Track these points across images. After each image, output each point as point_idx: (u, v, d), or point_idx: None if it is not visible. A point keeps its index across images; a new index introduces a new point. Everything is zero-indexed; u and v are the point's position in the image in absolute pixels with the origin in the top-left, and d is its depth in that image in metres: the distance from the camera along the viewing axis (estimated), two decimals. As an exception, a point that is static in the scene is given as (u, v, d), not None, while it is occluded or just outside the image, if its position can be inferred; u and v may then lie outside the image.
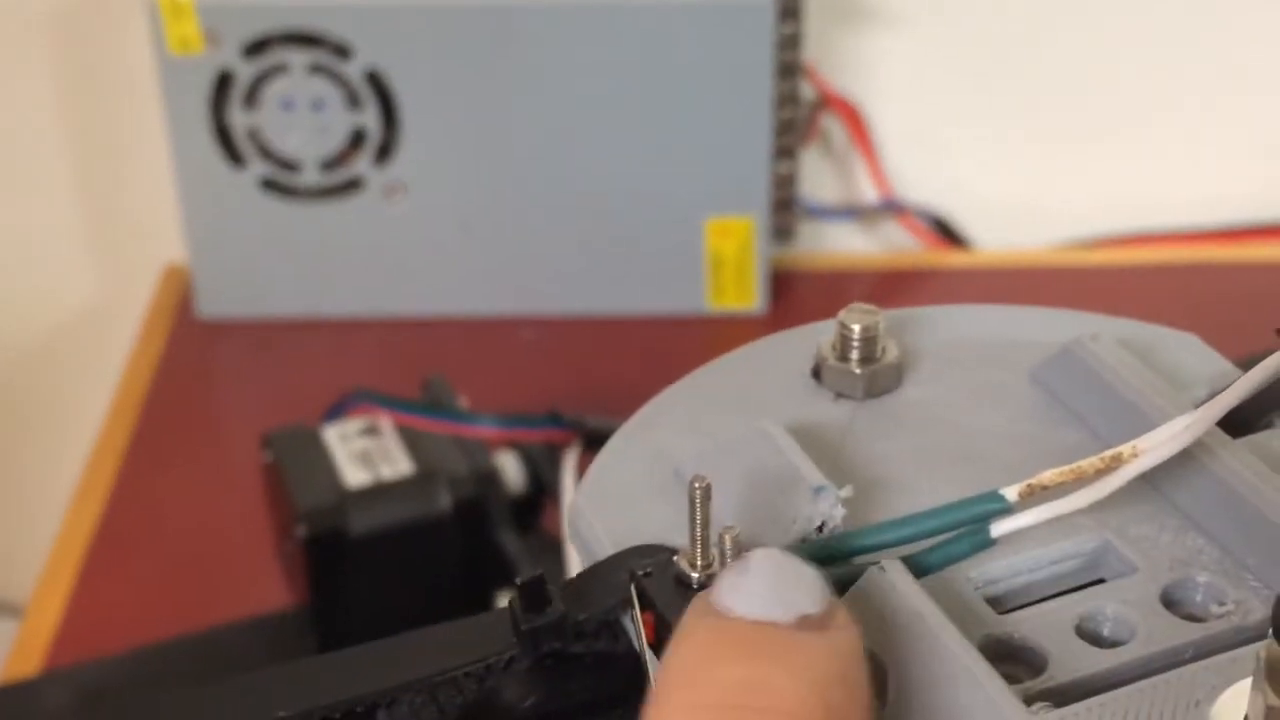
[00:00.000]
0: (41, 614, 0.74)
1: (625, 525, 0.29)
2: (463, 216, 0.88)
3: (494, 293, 0.90)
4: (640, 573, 0.27)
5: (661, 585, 0.26)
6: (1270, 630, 0.22)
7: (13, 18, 0.92)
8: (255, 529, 0.76)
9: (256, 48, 0.84)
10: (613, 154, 0.87)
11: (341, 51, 0.84)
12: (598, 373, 0.88)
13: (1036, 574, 0.28)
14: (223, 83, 0.84)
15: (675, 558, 0.27)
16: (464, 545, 0.66)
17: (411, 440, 0.68)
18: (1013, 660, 0.26)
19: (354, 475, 0.66)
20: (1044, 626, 0.27)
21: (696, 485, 0.26)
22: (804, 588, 0.23)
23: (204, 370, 0.89)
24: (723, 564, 0.25)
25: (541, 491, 0.68)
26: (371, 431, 0.68)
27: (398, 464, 0.66)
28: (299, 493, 0.65)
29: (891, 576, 0.26)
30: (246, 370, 0.89)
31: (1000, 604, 0.27)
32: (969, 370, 0.33)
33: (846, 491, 0.28)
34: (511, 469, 0.68)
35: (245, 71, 0.84)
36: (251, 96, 0.85)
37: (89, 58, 0.93)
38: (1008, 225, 0.95)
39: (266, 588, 0.71)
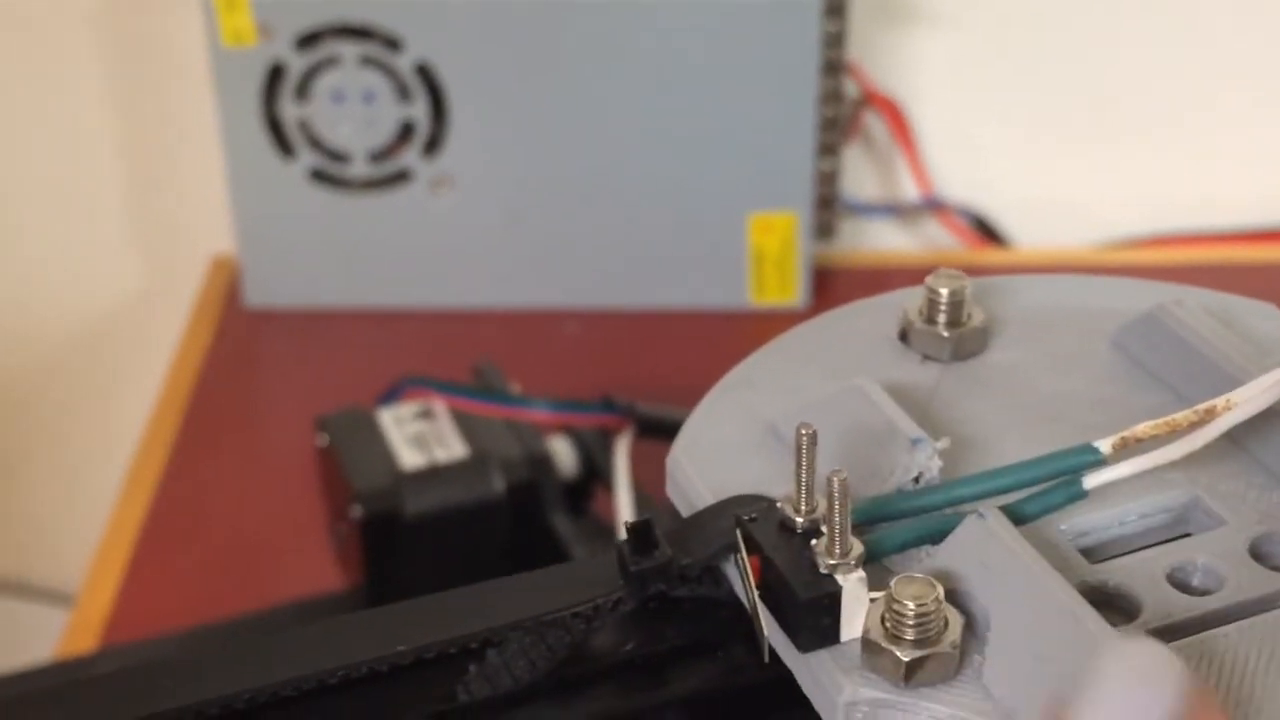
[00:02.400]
0: (92, 602, 0.75)
1: (723, 478, 0.29)
2: (509, 209, 0.89)
3: (539, 285, 0.91)
4: (745, 518, 0.27)
5: (766, 530, 0.27)
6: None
7: (66, 8, 0.93)
8: (304, 514, 0.77)
9: (309, 40, 0.85)
10: (658, 149, 0.87)
11: (392, 44, 0.85)
12: (641, 365, 0.88)
13: (1127, 527, 0.29)
14: (275, 75, 0.85)
15: (779, 504, 0.27)
16: (516, 528, 0.67)
17: (465, 424, 0.69)
18: (1107, 606, 0.27)
19: (409, 457, 0.67)
20: (1135, 575, 0.27)
21: (803, 432, 0.27)
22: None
23: (251, 359, 0.90)
24: (830, 509, 0.26)
25: (593, 476, 0.69)
26: (425, 415, 0.69)
27: (452, 447, 0.67)
28: (355, 474, 0.66)
29: (991, 523, 0.27)
30: (293, 359, 0.90)
31: (1092, 555, 0.28)
32: (1051, 336, 0.33)
33: (943, 444, 0.29)
34: (564, 453, 0.68)
35: (297, 64, 0.85)
36: (303, 88, 0.86)
37: (140, 50, 0.94)
38: (1047, 224, 0.96)
39: (316, 573, 0.72)
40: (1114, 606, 0.27)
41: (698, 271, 0.91)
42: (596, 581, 0.28)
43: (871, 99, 0.93)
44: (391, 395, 0.71)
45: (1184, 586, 0.27)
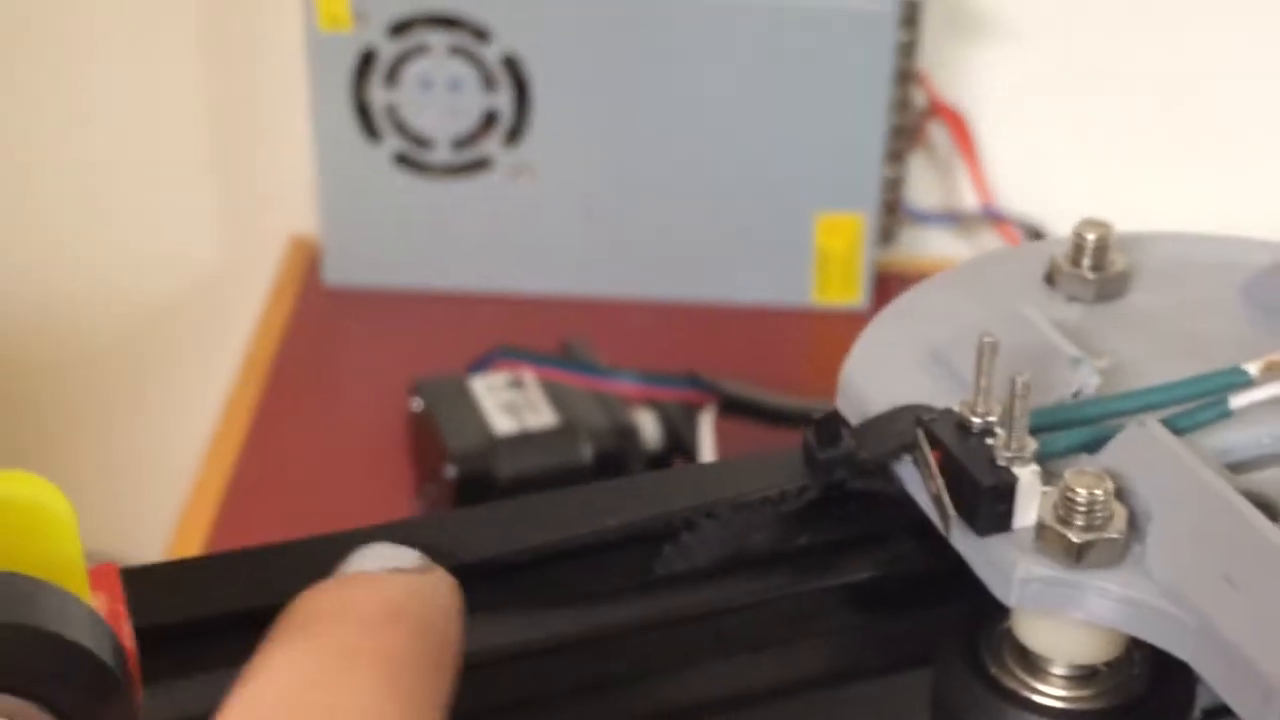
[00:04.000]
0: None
1: (894, 391, 0.32)
2: (585, 200, 0.92)
3: (609, 275, 0.94)
4: (926, 418, 0.30)
5: (945, 429, 0.30)
6: None
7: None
8: (384, 483, 0.80)
9: (401, 28, 0.88)
10: (733, 147, 0.90)
11: (481, 35, 0.88)
12: (705, 357, 0.91)
13: (1265, 448, 0.31)
14: (366, 60, 0.88)
15: (956, 407, 0.30)
16: (601, 495, 0.69)
17: (554, 394, 0.72)
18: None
19: (501, 423, 0.70)
20: (1274, 486, 0.30)
21: (986, 340, 0.29)
22: (400, 554, 0.27)
23: (329, 335, 0.93)
24: (1010, 407, 0.29)
25: (676, 448, 0.72)
26: (516, 384, 0.72)
27: (542, 415, 0.70)
28: (450, 436, 0.69)
29: (1151, 429, 0.30)
30: (369, 337, 0.93)
31: (1234, 470, 0.31)
32: (1185, 284, 0.36)
33: (1103, 363, 0.32)
34: (649, 425, 0.71)
35: (388, 50, 0.88)
36: (393, 75, 0.89)
37: (236, 31, 0.97)
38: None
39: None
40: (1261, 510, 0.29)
41: (764, 268, 0.94)
42: (782, 470, 0.31)
43: (937, 109, 0.96)
44: (482, 365, 0.74)
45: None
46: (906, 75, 0.91)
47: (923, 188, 0.99)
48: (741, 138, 0.90)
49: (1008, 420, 0.29)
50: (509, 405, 0.71)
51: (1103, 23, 0.96)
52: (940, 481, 0.29)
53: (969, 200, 0.99)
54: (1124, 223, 1.01)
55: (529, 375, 0.72)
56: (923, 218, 1.00)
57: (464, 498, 0.68)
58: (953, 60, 0.96)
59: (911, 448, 0.30)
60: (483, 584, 0.29)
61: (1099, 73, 0.97)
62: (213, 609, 0.27)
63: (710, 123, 0.90)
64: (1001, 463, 0.29)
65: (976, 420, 0.30)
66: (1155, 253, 0.37)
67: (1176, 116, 0.98)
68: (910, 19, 0.89)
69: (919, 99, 0.95)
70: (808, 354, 0.95)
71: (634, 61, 0.88)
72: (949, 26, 0.95)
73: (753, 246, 0.93)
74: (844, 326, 0.95)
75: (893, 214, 0.95)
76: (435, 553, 0.28)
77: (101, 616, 0.23)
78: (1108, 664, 0.30)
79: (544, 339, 0.82)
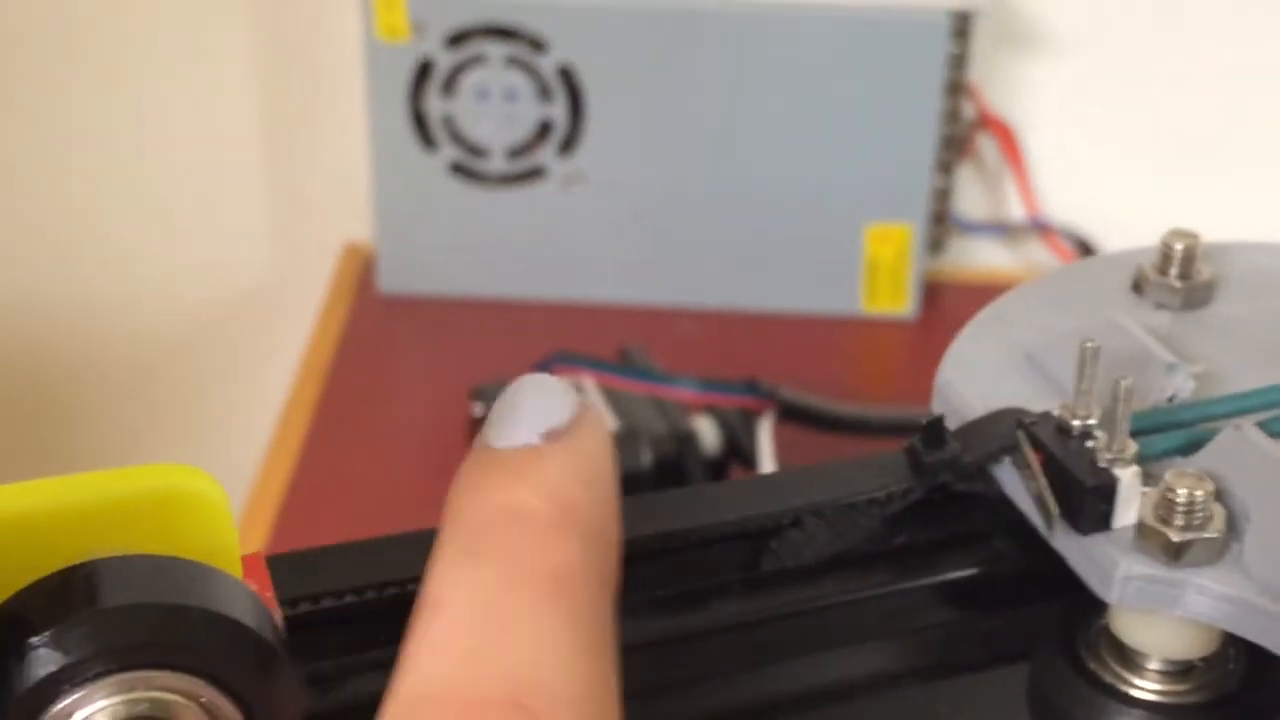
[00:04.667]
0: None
1: (991, 396, 0.33)
2: (636, 208, 0.93)
3: (660, 283, 0.95)
4: (1027, 421, 0.31)
5: (1046, 431, 0.31)
6: None
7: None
8: (441, 489, 0.81)
9: (458, 39, 0.89)
10: (783, 157, 0.91)
11: (537, 46, 0.89)
12: (755, 364, 0.92)
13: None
14: (423, 70, 0.90)
15: (1055, 411, 0.31)
16: (660, 500, 0.70)
17: (614, 400, 0.73)
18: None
19: (564, 428, 0.70)
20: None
21: (1088, 345, 0.30)
22: (553, 404, 0.26)
23: (384, 342, 0.94)
24: (1114, 409, 0.30)
25: (734, 454, 0.73)
26: (576, 390, 0.73)
27: (603, 420, 0.71)
28: (513, 440, 0.70)
29: (1248, 432, 0.31)
30: (425, 344, 0.94)
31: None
32: (1270, 294, 0.37)
33: (1199, 368, 0.33)
34: (708, 432, 0.72)
35: (445, 60, 0.89)
36: (449, 84, 0.90)
37: (294, 39, 0.99)
38: (1148, 250, 1.00)
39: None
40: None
41: (813, 277, 0.95)
42: (887, 472, 0.32)
43: (987, 120, 0.97)
44: (542, 371, 0.75)
45: None
46: (957, 87, 0.92)
47: (971, 198, 1.00)
48: (792, 148, 0.91)
49: (1109, 423, 0.30)
50: (570, 410, 0.71)
51: (1151, 35, 0.96)
52: (1043, 482, 0.30)
53: (1017, 211, 1.00)
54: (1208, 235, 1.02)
55: (588, 381, 0.73)
56: (971, 228, 1.01)
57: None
58: (1002, 72, 0.97)
59: (1013, 450, 0.31)
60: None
61: (1147, 85, 0.98)
62: (345, 593, 0.28)
63: (761, 133, 0.91)
64: (1103, 464, 0.30)
65: (1077, 423, 0.31)
66: (1240, 262, 0.38)
67: (1225, 128, 0.99)
68: (961, 31, 0.90)
69: (969, 110, 0.96)
70: (858, 362, 0.96)
71: (686, 72, 0.89)
72: (999, 39, 0.96)
73: (803, 255, 0.94)
74: (893, 335, 0.96)
75: (941, 224, 0.96)
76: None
77: (262, 600, 0.24)
78: (1203, 659, 0.31)
79: (598, 346, 0.83)
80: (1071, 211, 1.00)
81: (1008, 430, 0.31)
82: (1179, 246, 0.36)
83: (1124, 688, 0.31)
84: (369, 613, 0.29)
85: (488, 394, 0.73)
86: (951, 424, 0.33)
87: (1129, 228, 1.00)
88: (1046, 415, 0.31)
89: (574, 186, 0.93)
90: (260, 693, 0.23)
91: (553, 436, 0.25)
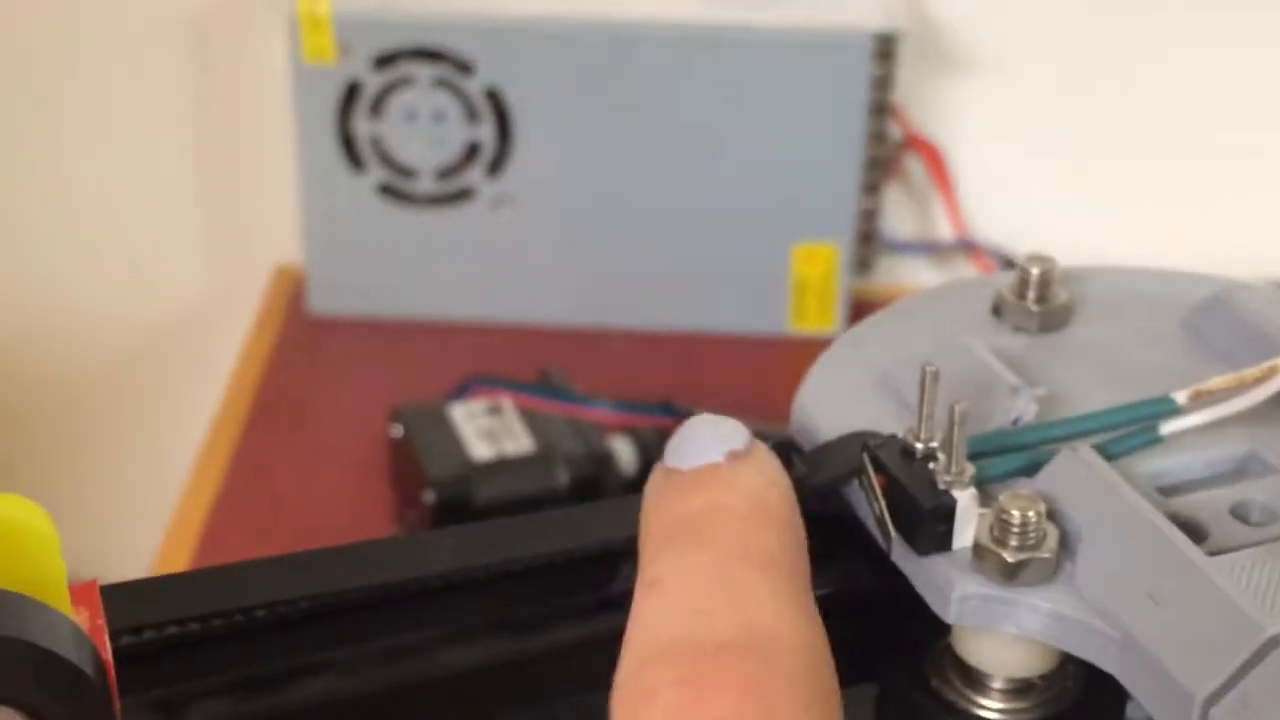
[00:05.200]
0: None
1: (841, 418, 0.34)
2: (565, 230, 0.94)
3: (589, 304, 0.95)
4: (872, 444, 0.32)
5: (890, 454, 0.32)
6: None
7: (160, 21, 0.97)
8: (366, 509, 0.81)
9: (385, 61, 0.89)
10: (711, 179, 0.92)
11: (464, 68, 0.90)
12: (684, 384, 0.92)
13: (1194, 472, 0.33)
14: (351, 92, 0.90)
15: (900, 434, 0.32)
16: (577, 520, 0.71)
17: (531, 421, 0.73)
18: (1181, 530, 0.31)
19: (479, 449, 0.71)
20: (1203, 508, 0.32)
21: (928, 369, 0.31)
22: (728, 433, 0.29)
23: (314, 363, 0.94)
24: (949, 433, 0.30)
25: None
26: (494, 411, 0.74)
27: (519, 441, 0.72)
28: (429, 462, 0.70)
29: (1083, 455, 0.31)
30: (354, 365, 0.94)
31: (1164, 494, 0.32)
32: (1127, 317, 0.38)
33: (1041, 391, 0.33)
34: (625, 452, 0.73)
35: (373, 82, 0.90)
36: (377, 106, 0.90)
37: (221, 62, 0.99)
38: (1075, 268, 1.01)
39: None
40: (1185, 532, 0.31)
41: (741, 297, 0.95)
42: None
43: (913, 141, 0.97)
44: (461, 393, 0.75)
45: (1244, 519, 0.32)
46: (882, 107, 0.93)
47: (899, 218, 1.01)
48: (719, 169, 0.92)
49: (948, 445, 0.31)
50: (487, 432, 0.72)
51: (1077, 53, 0.98)
52: (883, 504, 0.31)
53: (944, 230, 1.01)
54: (1097, 252, 1.03)
55: (507, 403, 0.74)
56: (899, 247, 1.01)
57: (442, 523, 0.69)
58: (928, 93, 0.98)
59: (858, 472, 0.32)
60: (446, 600, 0.31)
61: (1073, 103, 0.99)
62: (187, 621, 0.29)
63: (688, 154, 0.92)
64: (942, 486, 0.31)
65: (919, 446, 0.31)
66: (1098, 286, 0.39)
67: (1149, 148, 1.00)
68: (885, 52, 0.91)
69: (894, 131, 0.96)
70: (785, 381, 0.96)
71: (613, 95, 0.90)
72: (924, 60, 0.97)
73: (731, 275, 0.95)
74: (821, 354, 0.96)
75: (869, 244, 0.97)
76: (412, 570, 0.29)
77: (84, 630, 0.25)
78: (1043, 677, 0.32)
79: (525, 367, 0.83)
80: (999, 230, 1.01)
81: (855, 453, 0.32)
82: (1036, 271, 0.37)
83: (967, 706, 0.32)
84: (215, 639, 0.29)
85: (407, 416, 0.73)
86: (807, 445, 0.34)
87: (1055, 246, 1.00)
88: (892, 438, 0.32)
89: (502, 207, 0.93)
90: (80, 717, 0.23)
91: (735, 456, 0.29)
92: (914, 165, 1.00)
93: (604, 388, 0.90)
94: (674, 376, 0.93)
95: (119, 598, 0.28)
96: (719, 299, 0.95)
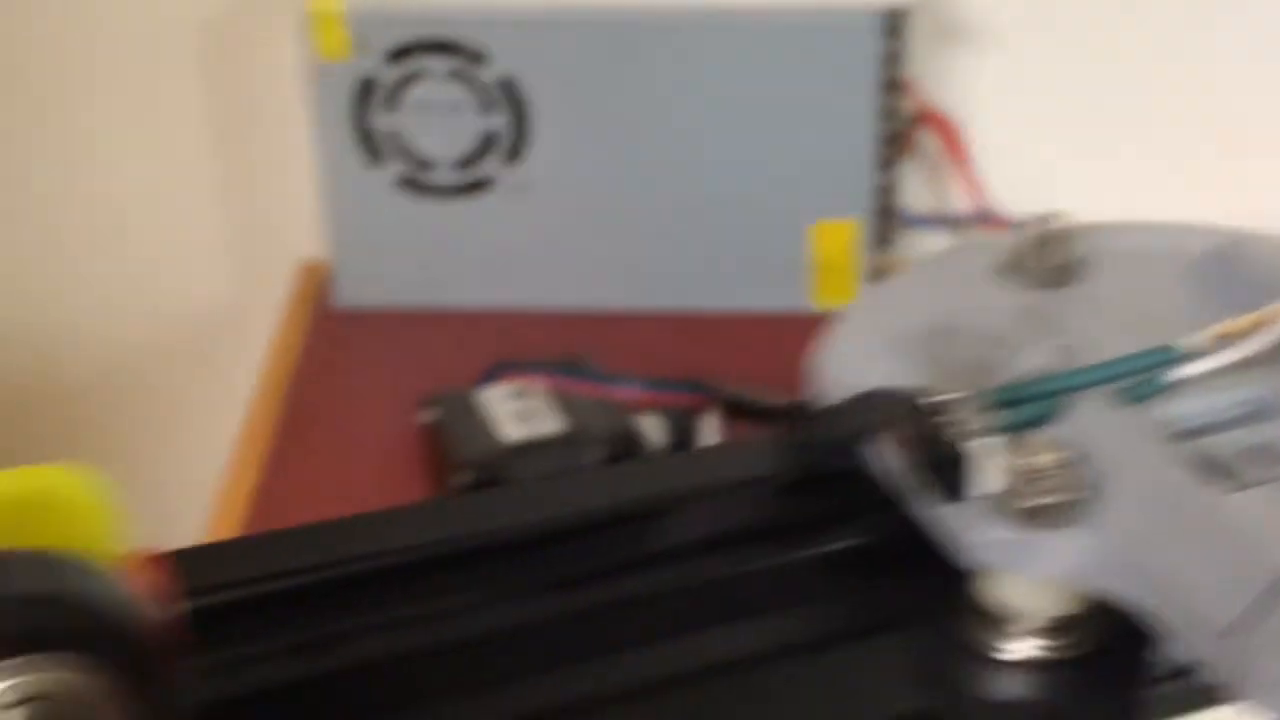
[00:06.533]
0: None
1: (862, 375, 0.35)
2: (584, 215, 0.94)
3: (610, 288, 0.96)
4: (890, 400, 0.33)
5: (908, 408, 0.32)
6: None
7: (174, 21, 0.98)
8: (400, 496, 0.82)
9: (399, 55, 0.90)
10: (728, 161, 0.93)
11: (478, 59, 0.90)
12: (708, 363, 0.93)
13: (1221, 414, 0.34)
14: (366, 87, 0.91)
15: (919, 388, 0.33)
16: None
17: (561, 402, 0.74)
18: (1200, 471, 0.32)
19: (511, 431, 0.72)
20: (1222, 450, 0.32)
21: (947, 323, 0.32)
22: None
23: (343, 356, 0.95)
24: (965, 389, 0.31)
25: (681, 451, 0.74)
26: (523, 395, 0.75)
27: (549, 422, 0.73)
28: (462, 445, 0.71)
29: (1102, 401, 0.32)
30: (382, 356, 0.95)
31: (1185, 436, 0.33)
32: (1140, 269, 0.39)
33: (1064, 342, 0.34)
34: (654, 430, 0.74)
35: (388, 77, 0.91)
36: (393, 100, 0.91)
37: (239, 62, 1.00)
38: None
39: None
40: (1205, 472, 0.32)
41: (763, 276, 0.96)
42: (763, 455, 0.34)
43: (926, 116, 0.98)
44: (490, 377, 0.76)
45: (1263, 459, 0.32)
46: (893, 83, 0.93)
47: (917, 192, 1.02)
48: (735, 151, 0.93)
49: (966, 398, 0.32)
50: (517, 414, 0.73)
51: (1089, 18, 0.98)
52: (906, 457, 0.32)
53: (962, 202, 1.01)
54: (1113, 218, 1.03)
55: (536, 385, 0.75)
56: (917, 221, 1.02)
57: (476, 505, 0.70)
58: (941, 66, 0.99)
59: (878, 428, 0.33)
60: (484, 564, 0.32)
61: (1084, 72, 0.99)
62: (248, 583, 0.30)
63: (704, 137, 0.92)
64: (963, 436, 0.32)
65: (938, 399, 0.32)
66: (1108, 240, 0.40)
67: (1163, 112, 1.00)
68: (894, 28, 0.91)
69: (907, 106, 0.97)
70: (806, 356, 0.98)
71: (626, 81, 0.91)
72: (937, 34, 0.97)
73: (751, 255, 0.96)
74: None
75: (887, 219, 0.98)
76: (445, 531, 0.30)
77: (134, 591, 0.26)
78: (1068, 619, 0.33)
79: (549, 351, 0.84)
80: (1016, 200, 1.01)
81: (874, 408, 0.33)
82: (1052, 227, 0.38)
83: (992, 652, 0.33)
84: (272, 601, 0.30)
85: (437, 402, 0.74)
86: (826, 403, 0.35)
87: (1074, 212, 1.01)
88: (910, 393, 0.33)
89: (521, 195, 0.94)
90: (132, 673, 0.24)
91: None
92: (929, 140, 1.00)
93: (629, 370, 0.91)
94: (699, 357, 0.93)
95: (181, 562, 0.29)
96: (741, 279, 0.96)
